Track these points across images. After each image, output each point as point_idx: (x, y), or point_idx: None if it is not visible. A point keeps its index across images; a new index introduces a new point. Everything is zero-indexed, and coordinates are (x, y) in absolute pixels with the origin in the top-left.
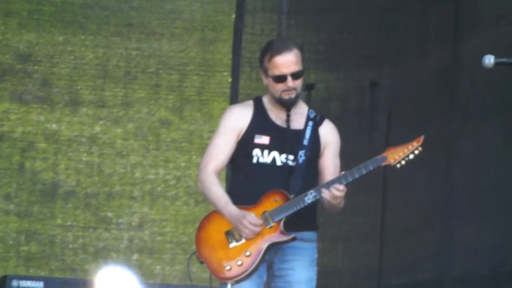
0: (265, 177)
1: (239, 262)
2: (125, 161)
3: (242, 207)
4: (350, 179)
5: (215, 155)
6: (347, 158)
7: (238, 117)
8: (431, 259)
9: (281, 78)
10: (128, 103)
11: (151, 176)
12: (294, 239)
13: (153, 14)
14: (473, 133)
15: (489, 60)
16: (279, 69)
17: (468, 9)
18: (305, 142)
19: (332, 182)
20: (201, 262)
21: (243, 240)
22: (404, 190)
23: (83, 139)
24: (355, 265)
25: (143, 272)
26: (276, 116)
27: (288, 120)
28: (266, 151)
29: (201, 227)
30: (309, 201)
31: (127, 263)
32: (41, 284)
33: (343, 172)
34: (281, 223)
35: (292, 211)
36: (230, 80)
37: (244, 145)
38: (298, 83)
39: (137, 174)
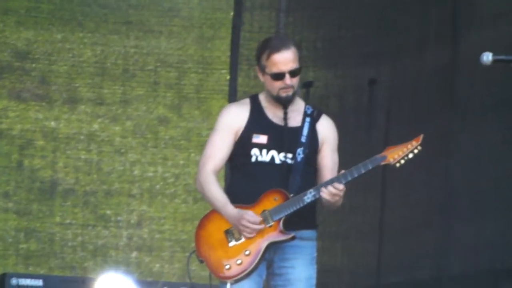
0: (264, 175)
1: (239, 261)
2: (123, 159)
3: (241, 206)
4: (350, 178)
5: (214, 155)
6: (345, 155)
7: (235, 116)
8: (430, 257)
9: (279, 76)
10: (126, 100)
11: (150, 174)
12: (293, 238)
13: (151, 12)
14: (472, 131)
15: (487, 57)
16: (277, 67)
17: (467, 8)
18: (303, 139)
19: (332, 181)
20: (201, 261)
21: (243, 239)
22: (403, 189)
23: (82, 137)
24: (354, 263)
25: (142, 270)
26: (273, 114)
27: (285, 118)
28: (264, 150)
29: (200, 226)
30: (309, 200)
31: (126, 261)
32: (40, 282)
33: (342, 171)
34: (281, 222)
35: (292, 210)
36: (228, 77)
37: (242, 144)
38: (296, 80)
39: (136, 172)
